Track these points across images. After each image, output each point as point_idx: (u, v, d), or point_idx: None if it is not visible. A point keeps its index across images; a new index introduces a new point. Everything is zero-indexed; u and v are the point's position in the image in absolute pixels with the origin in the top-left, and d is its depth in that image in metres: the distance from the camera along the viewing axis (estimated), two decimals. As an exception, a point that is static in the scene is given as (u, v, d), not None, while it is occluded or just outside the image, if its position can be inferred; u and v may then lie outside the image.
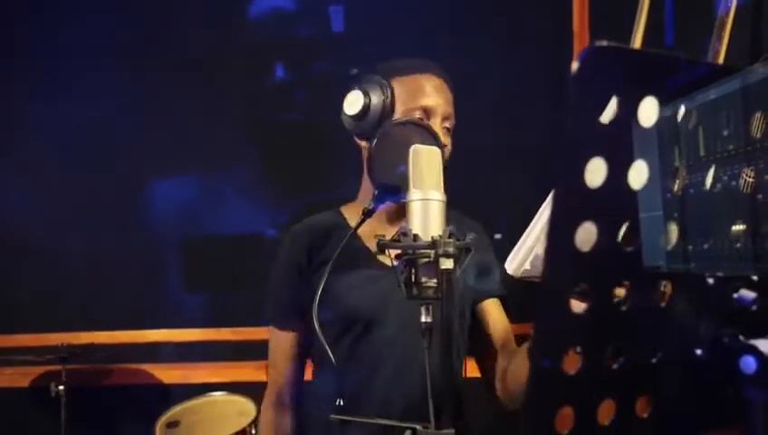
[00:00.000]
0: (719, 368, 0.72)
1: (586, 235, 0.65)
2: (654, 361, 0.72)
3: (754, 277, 0.77)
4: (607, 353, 0.68)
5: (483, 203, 2.84)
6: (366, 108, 1.42)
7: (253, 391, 2.34)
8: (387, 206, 1.47)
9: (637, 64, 0.69)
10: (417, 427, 1.09)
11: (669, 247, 0.81)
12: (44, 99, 2.99)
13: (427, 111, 1.43)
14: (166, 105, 3.01)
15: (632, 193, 0.70)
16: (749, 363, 0.71)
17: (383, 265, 1.43)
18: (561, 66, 2.90)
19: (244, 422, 2.22)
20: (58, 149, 3.01)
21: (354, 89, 1.44)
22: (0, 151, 3.06)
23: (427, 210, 1.19)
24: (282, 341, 1.52)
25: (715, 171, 1.91)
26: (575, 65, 0.62)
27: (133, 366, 2.93)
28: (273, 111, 3.02)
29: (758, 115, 0.90)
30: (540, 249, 1.18)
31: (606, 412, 0.69)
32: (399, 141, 1.30)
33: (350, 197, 1.62)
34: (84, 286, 3.02)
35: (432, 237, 1.15)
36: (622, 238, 0.68)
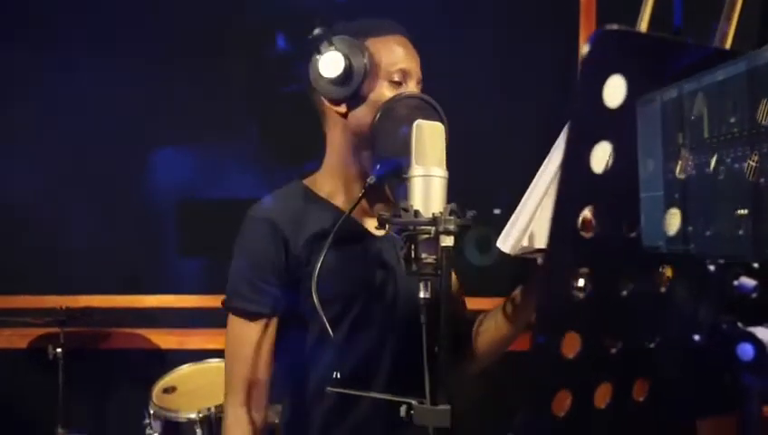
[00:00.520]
0: (717, 354, 0.72)
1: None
2: (652, 345, 0.72)
3: (755, 264, 0.77)
4: (606, 337, 0.68)
5: (482, 179, 2.87)
6: (348, 71, 1.32)
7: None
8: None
9: (644, 48, 0.68)
10: (413, 402, 1.10)
11: (669, 229, 0.81)
12: (45, 68, 2.96)
13: (404, 74, 1.37)
14: (166, 76, 2.98)
15: (636, 179, 0.70)
16: (746, 351, 0.72)
17: (373, 236, 1.41)
18: (567, 42, 2.90)
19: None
20: (58, 116, 2.98)
21: (329, 49, 1.33)
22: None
23: (428, 186, 1.18)
24: (252, 331, 1.35)
25: (719, 155, 1.90)
26: (584, 48, 0.61)
27: (130, 330, 2.95)
28: (273, 84, 2.99)
29: (765, 101, 0.89)
30: (536, 226, 1.17)
31: (603, 396, 0.69)
32: (404, 115, 1.29)
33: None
34: (83, 250, 3.01)
35: (433, 214, 1.16)
36: (624, 224, 0.68)
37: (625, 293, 0.69)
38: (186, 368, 2.45)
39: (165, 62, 2.98)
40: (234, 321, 1.38)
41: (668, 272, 0.73)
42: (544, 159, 1.17)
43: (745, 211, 0.81)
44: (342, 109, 1.38)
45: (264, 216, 1.37)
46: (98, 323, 2.80)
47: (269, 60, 3.04)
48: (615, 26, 1.22)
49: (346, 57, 1.33)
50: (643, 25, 2.38)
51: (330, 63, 1.33)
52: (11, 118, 3.03)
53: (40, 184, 2.99)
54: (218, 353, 2.69)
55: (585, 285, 0.67)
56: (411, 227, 1.15)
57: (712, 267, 0.76)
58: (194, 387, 2.35)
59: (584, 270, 0.66)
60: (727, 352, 0.72)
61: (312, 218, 1.37)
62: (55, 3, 2.99)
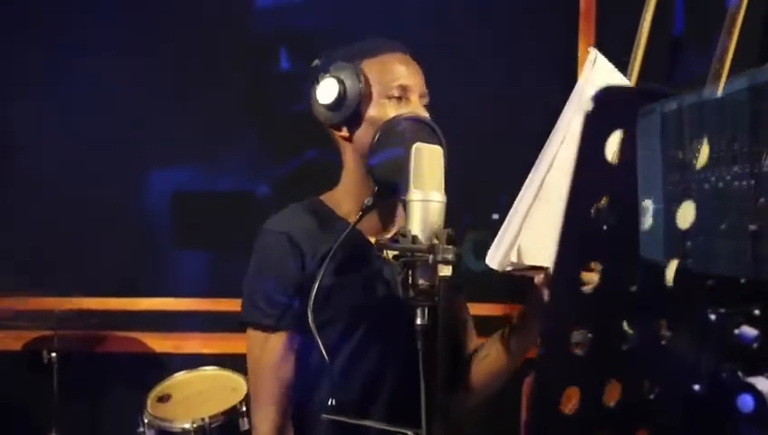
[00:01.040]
0: (717, 405, 0.71)
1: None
2: (652, 396, 0.71)
3: (756, 312, 0.76)
4: (606, 390, 0.67)
5: (480, 183, 2.86)
6: (341, 96, 1.34)
7: (243, 365, 2.33)
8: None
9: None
10: (409, 433, 1.10)
11: (667, 243, 0.79)
12: (45, 68, 2.96)
13: (405, 90, 1.37)
14: (165, 92, 2.99)
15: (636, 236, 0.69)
16: (746, 402, 0.71)
17: (381, 257, 1.38)
18: (567, 47, 2.89)
19: (235, 399, 2.23)
20: (55, 117, 2.97)
21: (325, 77, 1.36)
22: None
23: (426, 211, 1.18)
24: (271, 345, 1.35)
25: (720, 171, 1.89)
26: (589, 105, 0.60)
27: (124, 334, 2.93)
28: (274, 101, 3.00)
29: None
30: (523, 241, 1.16)
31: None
32: (402, 137, 1.29)
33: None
34: (78, 251, 3.00)
35: (431, 241, 1.15)
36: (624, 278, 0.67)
37: (625, 347, 0.68)
38: (181, 375, 2.44)
39: (164, 77, 2.97)
40: (252, 336, 1.38)
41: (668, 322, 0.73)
42: (562, 112, 1.16)
43: (746, 228, 0.80)
44: (344, 132, 1.39)
45: (280, 229, 1.38)
46: (93, 325, 2.77)
47: (270, 76, 3.05)
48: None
49: (340, 82, 1.35)
50: (644, 31, 2.36)
51: (325, 90, 1.37)
52: (10, 118, 3.02)
53: (33, 185, 2.98)
54: (214, 359, 2.69)
55: (584, 339, 0.66)
56: (409, 254, 1.15)
57: (713, 316, 0.75)
58: (189, 395, 2.34)
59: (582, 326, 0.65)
60: (727, 403, 0.71)
61: (326, 235, 1.37)
62: (57, 19, 2.97)
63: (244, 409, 2.17)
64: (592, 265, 1.12)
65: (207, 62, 2.97)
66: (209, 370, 2.45)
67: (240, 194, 3.06)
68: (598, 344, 0.66)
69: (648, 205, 2.56)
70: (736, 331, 0.75)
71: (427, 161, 1.20)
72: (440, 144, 1.27)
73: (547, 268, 1.16)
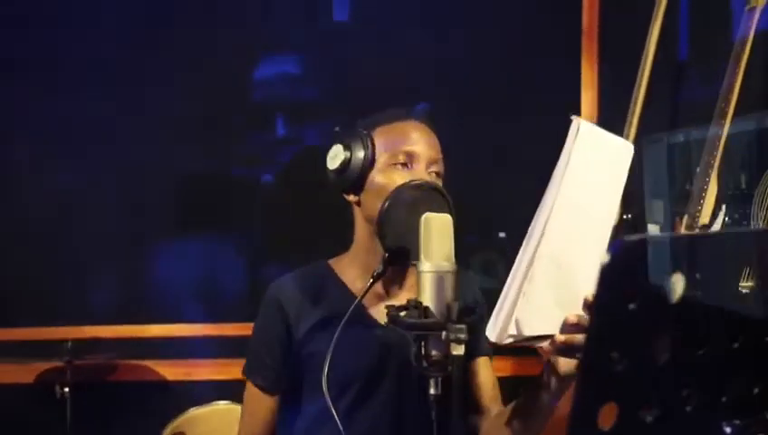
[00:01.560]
0: None
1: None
2: None
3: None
4: None
5: (486, 201, 2.90)
6: (347, 161, 1.40)
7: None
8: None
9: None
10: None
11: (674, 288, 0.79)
12: (45, 97, 2.96)
13: (411, 157, 1.40)
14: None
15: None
16: None
17: (376, 322, 1.43)
18: (571, 66, 2.89)
19: None
20: (58, 145, 2.99)
21: (336, 143, 1.43)
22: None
23: (437, 282, 1.20)
24: (256, 402, 1.49)
25: (726, 210, 1.90)
26: (605, 258, 0.60)
27: (136, 362, 2.95)
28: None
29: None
30: (520, 313, 1.16)
31: None
32: (410, 206, 1.31)
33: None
34: (87, 278, 3.03)
35: (443, 316, 1.16)
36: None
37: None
38: (195, 411, 2.46)
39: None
40: (247, 386, 1.52)
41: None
42: (546, 184, 1.18)
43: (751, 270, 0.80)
44: (353, 197, 1.44)
45: (274, 295, 1.49)
46: (104, 355, 2.79)
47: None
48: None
49: (347, 148, 1.41)
50: (649, 57, 2.36)
51: (333, 156, 1.44)
52: (10, 148, 3.03)
53: (40, 213, 2.98)
54: (227, 386, 2.71)
55: None
56: (421, 327, 1.17)
57: (728, 429, 0.76)
58: (203, 432, 2.37)
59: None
60: None
61: (324, 302, 1.44)
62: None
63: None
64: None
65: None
66: (223, 404, 2.47)
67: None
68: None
69: (655, 231, 2.57)
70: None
71: (437, 231, 1.22)
72: (449, 210, 1.30)
73: (552, 336, 1.18)
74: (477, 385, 1.50)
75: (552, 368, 1.25)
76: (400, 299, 1.37)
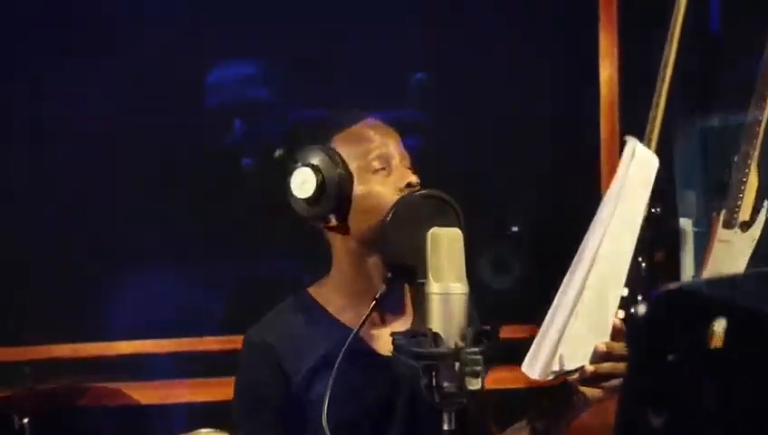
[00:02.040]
0: None
1: None
2: None
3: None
4: None
5: (498, 196, 2.91)
6: (321, 185, 1.36)
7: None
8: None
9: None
10: None
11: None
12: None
13: (386, 159, 1.41)
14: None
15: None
16: None
17: (377, 353, 1.43)
18: (587, 47, 2.85)
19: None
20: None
21: (298, 166, 1.38)
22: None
23: (448, 305, 1.21)
24: None
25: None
26: (642, 310, 0.62)
27: (102, 385, 2.94)
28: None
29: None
30: (564, 348, 1.20)
31: None
32: (417, 218, 1.31)
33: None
34: (45, 293, 3.01)
35: (456, 344, 1.18)
36: None
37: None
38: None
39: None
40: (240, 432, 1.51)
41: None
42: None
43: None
44: (332, 222, 1.41)
45: (260, 340, 1.45)
46: (68, 378, 2.78)
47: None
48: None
49: (315, 170, 1.37)
50: (676, 30, 2.37)
51: (301, 182, 1.37)
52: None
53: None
54: (208, 409, 2.72)
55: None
56: (431, 358, 1.18)
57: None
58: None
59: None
60: None
61: (316, 340, 1.42)
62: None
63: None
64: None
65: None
66: (205, 433, 2.48)
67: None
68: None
69: (688, 226, 2.59)
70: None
71: (446, 249, 1.23)
72: (459, 223, 1.32)
73: (582, 366, 1.22)
74: None
75: (575, 392, 1.28)
76: (401, 324, 1.41)
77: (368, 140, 1.42)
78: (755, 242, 1.95)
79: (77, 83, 2.91)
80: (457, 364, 1.15)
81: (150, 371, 3.03)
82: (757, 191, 1.81)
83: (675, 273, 2.15)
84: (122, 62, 2.92)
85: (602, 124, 2.71)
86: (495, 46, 2.87)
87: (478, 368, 1.13)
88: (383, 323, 1.45)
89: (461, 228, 1.28)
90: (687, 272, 2.16)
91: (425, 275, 1.23)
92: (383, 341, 1.37)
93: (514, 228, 2.98)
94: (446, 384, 1.18)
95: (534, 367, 1.22)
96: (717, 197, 1.92)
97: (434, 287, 1.21)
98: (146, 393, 2.97)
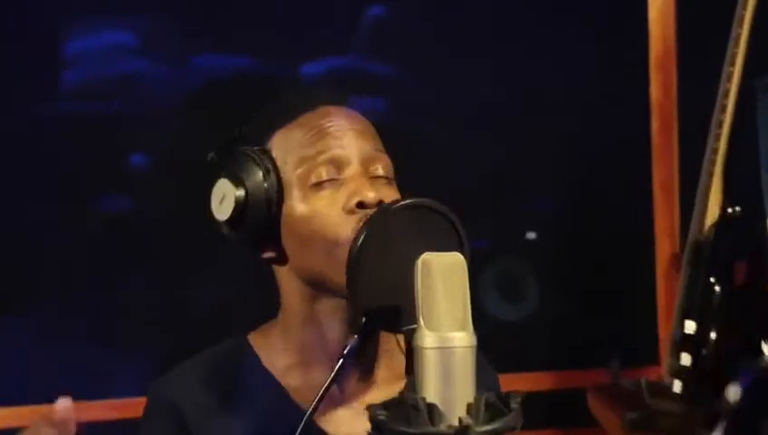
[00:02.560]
0: None
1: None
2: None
3: None
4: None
5: (512, 200, 2.84)
6: (242, 202, 1.21)
7: None
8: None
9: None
10: None
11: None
12: None
13: (337, 164, 1.22)
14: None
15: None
16: None
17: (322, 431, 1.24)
18: (616, 49, 2.89)
19: None
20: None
21: (220, 176, 1.23)
22: None
23: (447, 363, 1.03)
24: None
25: None
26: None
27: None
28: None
29: None
30: None
31: None
32: (398, 238, 1.14)
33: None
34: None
35: (460, 420, 1.00)
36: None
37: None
38: None
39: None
40: None
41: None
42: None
43: None
44: (270, 253, 1.25)
45: (164, 398, 1.29)
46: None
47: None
48: None
49: (236, 181, 1.22)
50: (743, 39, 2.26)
51: (220, 200, 1.24)
52: None
53: None
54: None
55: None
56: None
57: None
58: None
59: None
60: None
61: (243, 406, 1.26)
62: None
63: None
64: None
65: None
66: None
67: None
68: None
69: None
70: None
71: (442, 282, 1.02)
72: (459, 244, 1.14)
73: None
74: None
75: None
76: (372, 395, 1.23)
77: (317, 135, 1.22)
78: None
79: None
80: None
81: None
82: None
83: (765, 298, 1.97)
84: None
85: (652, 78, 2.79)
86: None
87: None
88: (346, 395, 1.26)
89: (464, 251, 1.08)
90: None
91: (414, 321, 1.04)
92: (353, 417, 1.21)
93: (531, 235, 2.71)
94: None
95: None
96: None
97: (427, 339, 1.01)
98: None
